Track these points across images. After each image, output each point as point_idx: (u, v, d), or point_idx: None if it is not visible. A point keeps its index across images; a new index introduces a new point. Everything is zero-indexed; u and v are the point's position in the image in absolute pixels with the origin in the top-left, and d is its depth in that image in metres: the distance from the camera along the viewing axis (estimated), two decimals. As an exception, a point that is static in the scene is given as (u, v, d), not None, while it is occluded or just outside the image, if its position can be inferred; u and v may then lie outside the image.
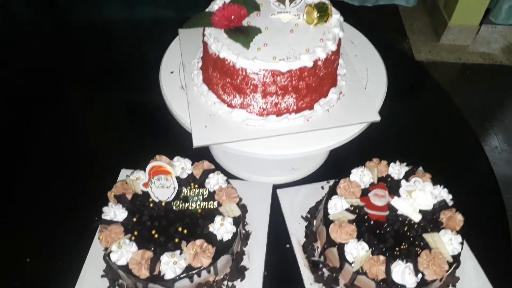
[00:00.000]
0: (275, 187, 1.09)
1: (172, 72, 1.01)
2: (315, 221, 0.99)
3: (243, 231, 0.98)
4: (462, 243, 0.85)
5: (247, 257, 0.96)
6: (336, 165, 1.13)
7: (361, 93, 0.96)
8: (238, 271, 0.93)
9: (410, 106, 1.35)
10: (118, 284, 0.91)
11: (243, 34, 0.84)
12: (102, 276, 0.92)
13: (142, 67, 1.24)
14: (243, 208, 0.98)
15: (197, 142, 0.86)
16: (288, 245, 1.00)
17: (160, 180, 0.89)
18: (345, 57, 1.02)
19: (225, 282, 0.91)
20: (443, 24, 3.16)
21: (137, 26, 1.68)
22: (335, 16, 0.90)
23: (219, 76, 0.88)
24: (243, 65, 0.81)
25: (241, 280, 0.92)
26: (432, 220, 0.88)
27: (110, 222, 0.85)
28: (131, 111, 1.31)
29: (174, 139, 1.02)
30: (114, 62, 1.47)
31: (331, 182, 1.04)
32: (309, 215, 1.03)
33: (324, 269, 0.92)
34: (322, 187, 1.08)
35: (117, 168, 1.07)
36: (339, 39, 0.88)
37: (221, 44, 0.83)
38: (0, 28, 1.65)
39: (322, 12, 0.87)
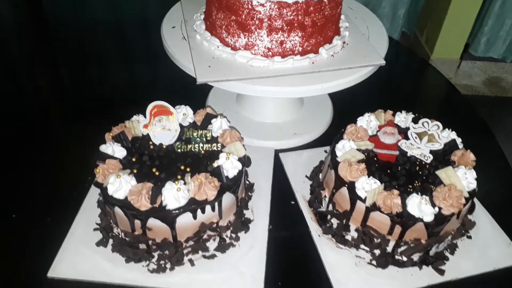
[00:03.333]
0: (278, 152, 1.05)
1: (173, 27, 1.01)
2: (320, 175, 0.95)
3: (247, 182, 0.93)
4: (476, 180, 0.82)
5: (251, 211, 0.90)
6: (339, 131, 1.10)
7: (364, 43, 0.96)
8: (242, 223, 0.86)
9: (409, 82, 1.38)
10: (112, 236, 0.83)
11: (249, -29, 0.85)
12: (95, 229, 0.85)
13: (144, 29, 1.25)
14: (247, 159, 0.93)
15: (201, 78, 0.84)
16: (293, 202, 0.95)
17: (161, 122, 0.85)
18: (346, 16, 1.04)
19: (229, 233, 0.84)
20: (425, 58, 3.29)
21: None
22: (337, -36, 0.92)
23: (224, 16, 0.88)
24: (249, -3, 0.82)
25: (245, 232, 0.86)
26: (443, 160, 0.86)
27: (108, 157, 0.80)
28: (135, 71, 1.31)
29: (175, 98, 1.00)
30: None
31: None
32: (313, 174, 0.99)
33: (332, 220, 0.87)
34: (325, 151, 1.05)
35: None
36: (342, -17, 0.90)
37: (227, -21, 0.84)
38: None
39: (325, -41, 0.90)
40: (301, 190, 0.96)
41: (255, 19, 0.84)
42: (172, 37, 0.98)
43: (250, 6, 0.83)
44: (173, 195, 0.73)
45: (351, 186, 0.80)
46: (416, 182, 0.81)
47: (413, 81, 1.48)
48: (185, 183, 0.75)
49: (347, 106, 1.16)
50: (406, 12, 3.27)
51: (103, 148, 0.81)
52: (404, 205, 0.76)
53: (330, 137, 1.10)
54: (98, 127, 0.85)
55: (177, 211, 0.73)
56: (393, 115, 0.94)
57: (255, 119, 1.10)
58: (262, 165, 1.01)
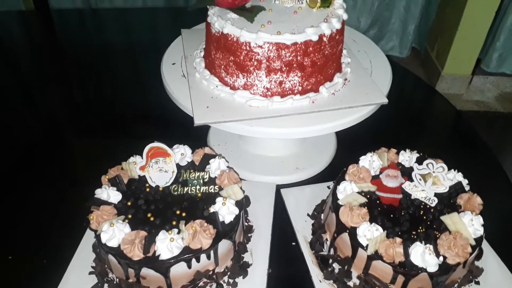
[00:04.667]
0: (279, 187, 1.03)
1: (173, 64, 1.00)
2: (322, 215, 0.92)
3: (245, 223, 0.90)
4: (484, 226, 0.78)
5: (250, 254, 0.88)
6: (342, 168, 1.08)
7: (367, 80, 0.94)
8: (240, 267, 0.84)
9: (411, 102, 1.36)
10: (107, 280, 0.82)
11: (247, 11, 0.84)
12: (90, 272, 0.83)
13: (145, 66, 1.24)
14: (246, 199, 0.91)
15: (198, 119, 0.83)
16: (294, 243, 0.92)
17: (158, 163, 0.84)
18: (348, 50, 1.02)
19: (226, 278, 0.82)
20: (436, 73, 3.25)
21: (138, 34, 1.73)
22: (338, 1, 0.91)
23: (222, 56, 0.86)
24: (247, 38, 0.80)
25: (243, 277, 0.84)
26: (449, 204, 0.82)
27: (103, 203, 0.79)
28: (133, 107, 1.29)
29: (174, 136, 0.99)
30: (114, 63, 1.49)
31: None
32: (315, 212, 0.96)
33: (334, 264, 0.84)
34: (328, 187, 1.03)
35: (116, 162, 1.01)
36: (343, 21, 0.88)
37: (225, 21, 0.83)
38: None
39: (325, -4, 0.88)
40: (303, 230, 0.93)
41: (253, 60, 0.83)
42: (172, 74, 0.97)
43: (248, 48, 0.81)
44: (166, 245, 0.71)
45: (353, 232, 0.77)
46: (420, 228, 0.78)
47: (419, 110, 1.45)
48: (179, 231, 0.74)
49: (350, 137, 1.12)
50: (416, 28, 3.24)
51: (98, 192, 0.80)
52: (407, 254, 0.73)
53: (333, 172, 1.08)
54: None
55: (170, 261, 0.71)
56: (397, 153, 0.92)
57: (256, 152, 1.09)
58: (263, 202, 0.98)
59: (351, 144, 1.10)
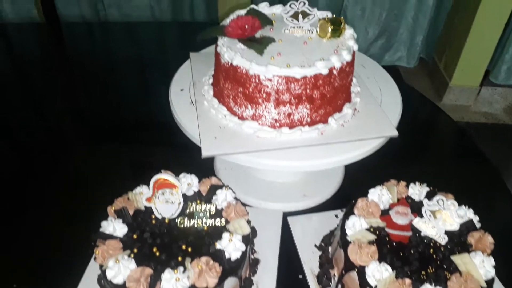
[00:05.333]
0: (286, 215, 1.01)
1: (182, 90, 0.99)
2: (330, 248, 0.91)
3: (252, 257, 0.89)
4: (495, 267, 0.76)
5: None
6: (350, 193, 1.05)
7: (377, 110, 0.93)
8: (246, 301, 0.83)
9: (422, 134, 1.33)
10: (111, 313, 0.81)
11: (256, 42, 0.83)
12: (94, 304, 0.83)
13: (152, 90, 1.23)
14: (253, 231, 0.90)
15: (206, 151, 0.82)
16: (300, 276, 0.91)
17: (164, 195, 0.83)
18: (358, 78, 1.00)
19: (232, 313, 0.81)
20: (444, 84, 3.23)
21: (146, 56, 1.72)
22: (349, 31, 0.89)
23: (231, 86, 0.85)
24: (256, 71, 0.79)
25: (249, 312, 0.83)
26: (459, 242, 0.81)
27: (108, 237, 0.78)
28: (140, 130, 1.29)
29: (180, 160, 0.98)
30: (121, 84, 1.48)
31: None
32: (323, 244, 0.95)
33: (341, 301, 0.83)
34: (336, 216, 1.01)
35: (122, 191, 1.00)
36: (354, 52, 0.87)
37: (234, 52, 0.82)
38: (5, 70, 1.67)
39: (336, 26, 0.87)
40: (310, 262, 0.92)
41: (262, 92, 0.82)
42: (180, 101, 0.96)
43: (257, 80, 0.80)
44: (172, 284, 0.70)
45: (361, 271, 0.76)
46: (430, 268, 0.76)
47: (426, 133, 1.42)
48: (185, 269, 0.73)
49: (358, 163, 1.12)
50: (424, 39, 3.21)
51: (105, 225, 0.79)
52: (416, 297, 0.72)
53: (341, 199, 1.07)
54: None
55: (176, 300, 0.70)
56: (407, 185, 0.90)
57: (264, 178, 1.07)
58: (269, 231, 0.97)
59: (359, 170, 1.08)
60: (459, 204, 0.84)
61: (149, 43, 1.82)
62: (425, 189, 0.88)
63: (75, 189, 1.10)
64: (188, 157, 0.96)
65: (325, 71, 0.80)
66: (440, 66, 3.31)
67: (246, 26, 0.83)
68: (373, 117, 0.90)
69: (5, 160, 1.20)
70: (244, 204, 1.01)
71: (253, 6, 0.93)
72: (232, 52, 0.82)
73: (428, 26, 3.13)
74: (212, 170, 1.11)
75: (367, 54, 3.20)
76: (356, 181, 1.10)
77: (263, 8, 0.96)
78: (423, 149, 1.32)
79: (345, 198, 1.06)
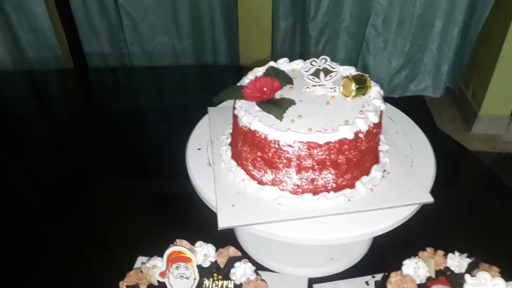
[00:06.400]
0: (311, 281, 0.94)
1: (199, 149, 0.94)
2: (360, 324, 0.83)
3: (275, 335, 0.82)
4: None
5: None
6: (381, 256, 0.98)
7: (408, 171, 0.85)
8: None
9: (458, 189, 1.20)
10: None
11: (276, 106, 0.78)
12: None
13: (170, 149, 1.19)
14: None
15: (222, 223, 0.76)
16: None
17: (179, 269, 0.77)
18: (385, 133, 0.94)
19: None
20: (472, 113, 3.12)
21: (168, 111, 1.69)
22: (375, 89, 0.84)
23: (249, 150, 0.80)
24: (276, 137, 0.74)
25: None
26: (509, 325, 0.71)
27: (119, 318, 0.72)
28: (155, 193, 1.23)
29: (197, 222, 0.93)
30: (141, 146, 1.44)
31: (378, 276, 0.89)
32: (352, 317, 0.87)
33: None
34: (367, 283, 0.93)
35: (134, 254, 0.95)
36: (381, 112, 0.80)
37: (252, 116, 0.77)
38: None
39: (361, 84, 0.81)
40: None
41: (282, 158, 0.76)
42: (197, 161, 0.91)
43: (277, 146, 0.75)
44: None
45: None
46: None
47: (467, 191, 1.26)
48: None
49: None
50: (450, 68, 3.12)
51: (115, 305, 0.74)
52: None
53: (371, 263, 0.99)
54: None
55: None
56: (445, 255, 0.82)
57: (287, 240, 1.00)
58: (293, 300, 0.90)
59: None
60: (507, 280, 0.75)
61: (172, 88, 1.81)
62: (466, 260, 0.79)
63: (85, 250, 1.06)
64: (205, 218, 0.91)
65: (350, 136, 0.74)
66: (467, 95, 3.20)
67: (265, 89, 0.79)
68: (404, 180, 0.83)
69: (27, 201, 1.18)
70: (265, 269, 0.95)
71: (272, 63, 0.89)
72: (250, 116, 0.77)
73: (454, 55, 3.05)
74: (232, 230, 1.05)
75: (391, 85, 3.15)
76: (387, 241, 1.01)
77: (283, 64, 0.91)
78: (461, 211, 1.17)
79: (375, 261, 0.98)
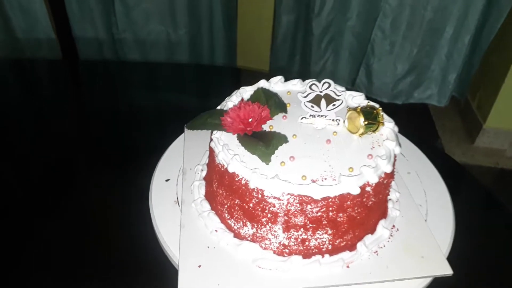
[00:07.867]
0: None
1: (167, 180, 0.77)
2: None
3: None
4: None
5: None
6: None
7: (421, 229, 0.69)
8: None
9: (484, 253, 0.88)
10: None
11: (262, 143, 0.60)
12: None
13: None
14: None
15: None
16: None
17: None
18: (396, 176, 0.77)
19: None
20: (477, 125, 2.99)
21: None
22: (388, 125, 0.67)
23: (226, 194, 0.63)
24: (260, 185, 0.57)
25: None
26: None
27: None
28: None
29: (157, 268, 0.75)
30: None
31: None
32: None
33: None
34: None
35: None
36: (395, 156, 0.64)
37: (232, 154, 0.60)
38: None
39: (371, 120, 0.64)
40: None
41: (267, 211, 0.59)
42: (162, 196, 0.74)
43: (260, 196, 0.58)
44: None
45: None
46: None
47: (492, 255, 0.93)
48: None
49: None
50: (458, 77, 2.97)
51: None
52: None
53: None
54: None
55: None
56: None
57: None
58: None
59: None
60: None
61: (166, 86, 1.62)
62: None
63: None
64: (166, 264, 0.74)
65: (355, 191, 0.57)
66: (473, 106, 3.06)
67: (250, 120, 0.61)
68: (417, 241, 0.66)
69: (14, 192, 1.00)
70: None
71: (263, 83, 0.71)
72: (229, 154, 0.60)
73: (463, 64, 2.90)
74: None
75: (395, 91, 3.00)
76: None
77: (276, 83, 0.74)
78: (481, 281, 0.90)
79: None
